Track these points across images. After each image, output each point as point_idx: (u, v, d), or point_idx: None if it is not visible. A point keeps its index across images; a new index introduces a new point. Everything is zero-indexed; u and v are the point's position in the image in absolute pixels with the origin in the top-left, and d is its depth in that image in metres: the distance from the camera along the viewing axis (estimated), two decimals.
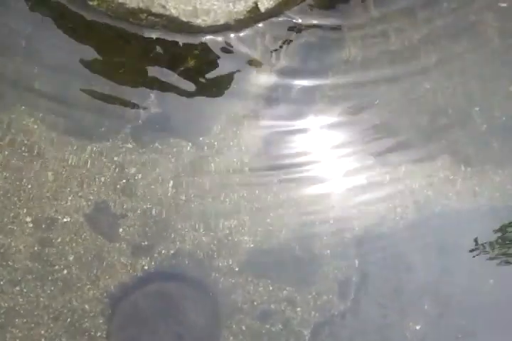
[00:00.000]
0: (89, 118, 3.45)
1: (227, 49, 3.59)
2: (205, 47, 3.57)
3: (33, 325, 3.12)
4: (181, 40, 3.55)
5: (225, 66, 3.59)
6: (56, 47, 3.50)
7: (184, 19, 3.44)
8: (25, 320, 3.12)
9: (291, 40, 3.67)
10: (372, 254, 3.47)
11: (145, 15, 3.43)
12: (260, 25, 3.63)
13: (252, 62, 3.62)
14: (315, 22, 3.72)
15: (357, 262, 3.44)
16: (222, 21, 3.49)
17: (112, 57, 3.56)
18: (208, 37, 3.56)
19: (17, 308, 3.14)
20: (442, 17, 3.85)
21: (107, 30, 3.52)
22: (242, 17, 3.51)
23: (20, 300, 3.14)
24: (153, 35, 3.52)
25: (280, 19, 3.67)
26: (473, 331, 3.44)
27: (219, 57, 3.58)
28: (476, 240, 3.51)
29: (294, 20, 3.69)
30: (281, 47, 3.66)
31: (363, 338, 3.37)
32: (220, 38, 3.57)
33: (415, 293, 3.45)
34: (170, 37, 3.54)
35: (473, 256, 3.51)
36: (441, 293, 3.46)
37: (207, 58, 3.58)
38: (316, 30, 3.69)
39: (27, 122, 3.39)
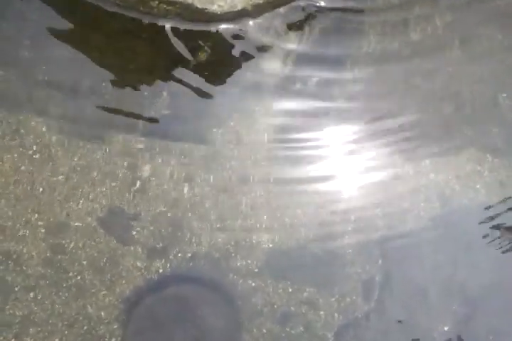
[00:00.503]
0: (99, 119, 3.36)
1: (243, 38, 3.48)
2: (220, 36, 3.47)
3: (47, 334, 3.04)
4: (195, 29, 3.44)
5: (239, 57, 3.49)
6: (63, 45, 3.41)
7: (199, 6, 3.30)
8: (39, 329, 3.04)
9: (310, 27, 3.55)
10: (397, 252, 3.34)
11: (156, 2, 3.31)
12: (280, 10, 3.52)
13: (269, 52, 3.51)
14: (337, 5, 3.59)
15: (380, 261, 3.32)
16: (239, 7, 3.36)
17: (121, 54, 3.48)
18: (224, 25, 3.46)
19: (32, 317, 3.06)
20: (467, 3, 3.70)
21: (115, 24, 3.44)
22: (260, 1, 3.38)
23: (35, 307, 3.06)
24: (166, 25, 3.42)
25: (301, 3, 3.54)
26: (506, 331, 3.31)
27: (234, 47, 3.48)
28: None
29: (317, 4, 3.56)
30: (300, 34, 3.54)
31: (389, 340, 3.25)
32: (236, 26, 3.47)
33: (442, 293, 3.31)
34: (183, 26, 3.44)
35: (503, 252, 3.37)
36: (469, 291, 3.33)
37: (221, 49, 3.48)
38: (336, 15, 3.57)
39: (36, 124, 3.31)
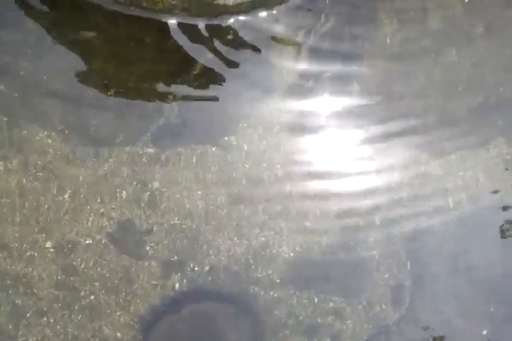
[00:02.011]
0: (104, 129, 3.24)
1: (254, 32, 3.34)
2: (229, 31, 3.33)
3: None
4: (203, 25, 3.31)
5: (251, 53, 3.35)
6: (64, 54, 3.30)
7: None
8: None
9: (324, 17, 3.39)
10: (426, 254, 3.19)
11: None
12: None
13: (281, 47, 3.36)
14: None
15: (409, 264, 3.16)
16: None
17: (124, 61, 3.35)
18: (233, 18, 3.32)
19: None
20: None
21: (118, 28, 3.33)
22: None
23: (48, 331, 2.95)
24: (170, 21, 3.29)
25: None
26: None
27: (245, 43, 3.34)
28: None
29: None
30: (314, 25, 3.39)
31: None
32: (246, 18, 3.33)
33: (477, 295, 3.16)
34: (190, 22, 3.30)
35: None
36: (507, 293, 3.17)
37: (231, 45, 3.34)
38: (351, 4, 3.42)
39: (40, 139, 3.19)
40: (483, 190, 3.28)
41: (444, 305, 3.13)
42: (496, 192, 3.29)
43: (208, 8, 3.22)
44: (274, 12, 3.37)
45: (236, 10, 3.26)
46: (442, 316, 3.12)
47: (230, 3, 3.21)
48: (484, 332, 3.13)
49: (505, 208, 3.25)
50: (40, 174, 3.14)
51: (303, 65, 3.38)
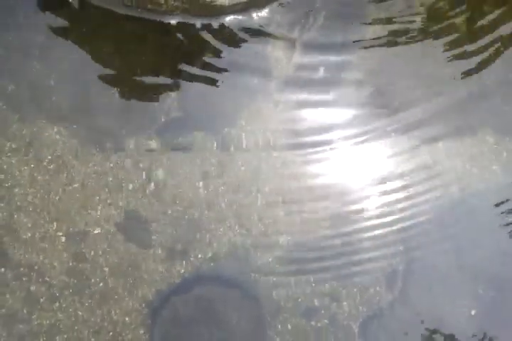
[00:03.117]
0: (110, 123, 3.37)
1: (250, 30, 3.47)
2: (227, 30, 3.46)
3: None
4: (202, 24, 3.44)
5: (248, 50, 3.48)
6: (71, 53, 3.42)
7: None
8: (65, 336, 3.08)
9: (315, 14, 3.51)
10: (418, 239, 3.31)
11: None
12: None
13: (276, 42, 3.49)
14: None
15: (402, 248, 3.29)
16: None
17: (129, 58, 3.47)
18: (230, 18, 3.44)
19: (58, 324, 3.10)
20: None
21: (122, 28, 3.44)
22: None
23: (60, 315, 3.10)
24: (173, 21, 3.41)
25: None
26: None
27: (241, 41, 3.47)
28: None
29: None
30: (306, 22, 3.51)
31: (415, 328, 3.22)
32: (242, 18, 3.45)
33: (467, 278, 3.29)
34: (191, 21, 3.42)
35: None
36: (495, 275, 3.30)
37: (229, 43, 3.46)
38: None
39: (49, 134, 3.32)
40: (471, 177, 3.41)
41: (436, 287, 3.26)
42: (483, 177, 3.42)
43: (207, 8, 3.35)
44: (267, 11, 3.48)
45: (232, 10, 3.39)
46: (433, 298, 3.26)
47: (227, 4, 3.34)
48: (473, 313, 3.26)
49: (491, 194, 3.37)
50: (51, 167, 3.28)
51: (297, 59, 3.49)
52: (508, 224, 3.33)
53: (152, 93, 3.42)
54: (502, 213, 3.35)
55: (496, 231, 3.33)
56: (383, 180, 3.36)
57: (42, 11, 3.43)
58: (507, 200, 3.36)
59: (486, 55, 3.55)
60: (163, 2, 3.31)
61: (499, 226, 3.34)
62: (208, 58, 3.44)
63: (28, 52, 3.41)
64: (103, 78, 3.41)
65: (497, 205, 3.36)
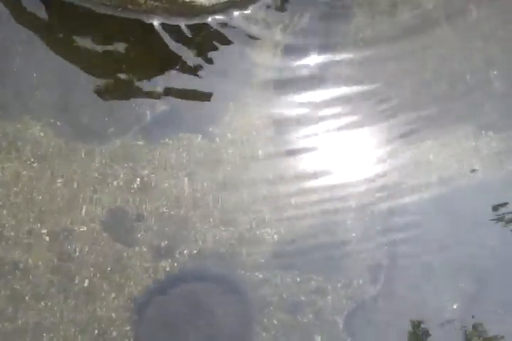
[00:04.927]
0: (95, 120, 3.38)
1: (232, 30, 3.49)
2: (208, 30, 3.47)
3: (61, 339, 3.08)
4: (183, 24, 3.45)
5: (230, 49, 3.50)
6: (54, 50, 3.41)
7: None
8: (51, 335, 3.07)
9: (298, 14, 3.54)
10: (400, 234, 3.36)
11: None
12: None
13: (258, 42, 3.51)
14: None
15: (384, 243, 3.33)
16: None
17: (113, 56, 3.47)
18: (211, 18, 3.46)
19: (43, 323, 3.09)
20: None
21: (105, 26, 3.44)
22: None
23: (46, 314, 3.09)
24: (154, 22, 3.42)
25: None
26: None
27: (223, 40, 3.49)
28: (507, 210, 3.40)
29: None
30: (288, 22, 3.54)
31: (399, 321, 3.26)
32: (223, 18, 3.47)
33: (449, 271, 3.34)
34: (172, 22, 3.44)
35: (508, 227, 3.40)
36: (476, 268, 3.36)
37: (211, 43, 3.49)
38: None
39: (33, 131, 3.31)
40: (452, 172, 3.46)
41: (418, 281, 3.31)
42: (464, 173, 3.48)
43: (187, 8, 3.36)
44: (249, 11, 3.51)
45: (212, 10, 3.41)
46: (416, 291, 3.30)
47: (207, 4, 3.35)
48: (455, 307, 3.31)
49: (474, 190, 3.43)
50: (35, 165, 3.27)
51: (280, 60, 3.52)
52: (488, 220, 3.39)
53: (137, 90, 3.42)
54: (483, 208, 3.41)
55: (478, 227, 3.39)
56: (366, 176, 3.41)
57: (24, 10, 3.41)
58: (488, 195, 3.43)
59: (467, 53, 3.62)
60: (142, 2, 3.31)
61: (481, 221, 3.40)
62: (190, 57, 3.46)
63: (11, 50, 3.40)
64: (87, 76, 3.40)
65: (478, 200, 3.43)
